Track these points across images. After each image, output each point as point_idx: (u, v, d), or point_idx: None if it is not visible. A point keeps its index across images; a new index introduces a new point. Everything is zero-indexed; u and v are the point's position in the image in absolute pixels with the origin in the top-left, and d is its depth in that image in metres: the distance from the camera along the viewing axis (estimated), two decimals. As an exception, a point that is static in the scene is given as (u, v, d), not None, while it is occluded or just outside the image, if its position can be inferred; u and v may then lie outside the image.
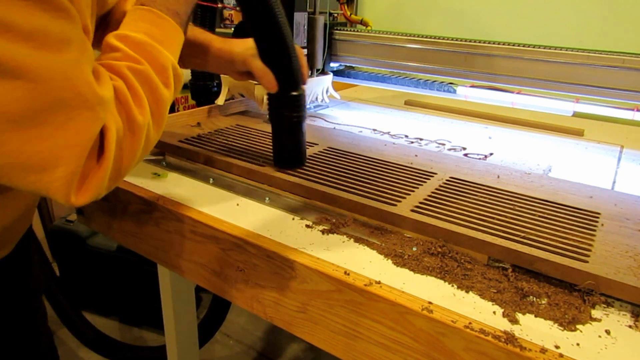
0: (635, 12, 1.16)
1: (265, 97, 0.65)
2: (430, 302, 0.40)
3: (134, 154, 0.43)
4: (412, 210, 0.53)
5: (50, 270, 1.35)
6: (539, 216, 0.53)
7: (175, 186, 0.64)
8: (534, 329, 0.38)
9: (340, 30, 1.40)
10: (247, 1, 0.55)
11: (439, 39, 1.11)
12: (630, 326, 0.39)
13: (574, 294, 0.43)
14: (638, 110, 1.04)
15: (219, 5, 1.33)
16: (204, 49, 0.65)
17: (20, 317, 0.63)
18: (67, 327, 1.36)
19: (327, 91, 1.04)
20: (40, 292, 0.69)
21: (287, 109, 0.62)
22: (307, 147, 0.73)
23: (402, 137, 0.85)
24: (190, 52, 0.63)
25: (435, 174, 0.64)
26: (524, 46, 1.09)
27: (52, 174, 0.38)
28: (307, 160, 0.67)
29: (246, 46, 0.62)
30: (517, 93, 1.16)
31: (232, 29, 1.20)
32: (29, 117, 0.35)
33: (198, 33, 0.65)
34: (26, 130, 0.36)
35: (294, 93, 0.61)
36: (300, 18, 0.93)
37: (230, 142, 0.73)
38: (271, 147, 0.65)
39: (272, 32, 0.57)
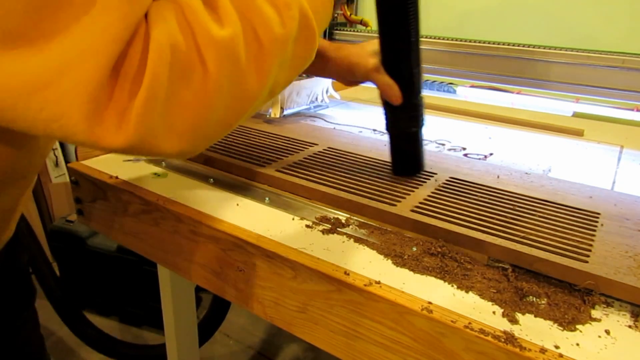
0: (635, 12, 1.16)
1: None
2: (430, 302, 0.40)
3: (205, 92, 0.32)
4: (412, 211, 0.53)
5: (50, 270, 1.35)
6: (539, 216, 0.53)
7: (175, 186, 0.64)
8: (534, 329, 0.38)
9: (340, 30, 1.40)
10: (387, 9, 0.53)
11: (439, 39, 1.11)
12: (630, 326, 0.39)
13: (574, 294, 0.43)
14: (638, 110, 1.04)
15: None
16: (317, 58, 0.56)
17: (6, 332, 0.57)
18: (68, 326, 1.36)
19: (327, 91, 1.04)
20: (31, 304, 0.63)
21: (409, 119, 0.60)
22: (307, 147, 0.73)
23: (402, 137, 0.85)
24: None
25: (435, 174, 0.64)
26: (524, 46, 1.09)
27: (58, 85, 0.28)
28: (307, 160, 0.67)
29: (364, 54, 0.59)
30: (517, 93, 1.16)
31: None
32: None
33: None
34: (16, 42, 0.27)
35: (415, 102, 0.59)
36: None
37: (230, 142, 0.74)
38: (271, 147, 0.65)
39: (407, 43, 0.54)
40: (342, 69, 0.61)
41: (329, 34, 1.38)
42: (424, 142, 0.63)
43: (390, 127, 0.61)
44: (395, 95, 0.57)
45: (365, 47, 0.60)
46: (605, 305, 0.42)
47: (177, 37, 0.31)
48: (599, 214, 0.55)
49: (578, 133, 0.95)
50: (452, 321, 0.38)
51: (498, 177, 0.65)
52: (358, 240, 0.51)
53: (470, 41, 1.16)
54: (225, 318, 1.39)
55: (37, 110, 0.29)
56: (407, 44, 0.55)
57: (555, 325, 0.39)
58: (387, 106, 0.60)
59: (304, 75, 0.91)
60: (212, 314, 1.37)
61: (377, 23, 0.55)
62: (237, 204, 0.59)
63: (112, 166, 0.69)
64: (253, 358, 1.49)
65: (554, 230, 0.50)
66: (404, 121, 0.60)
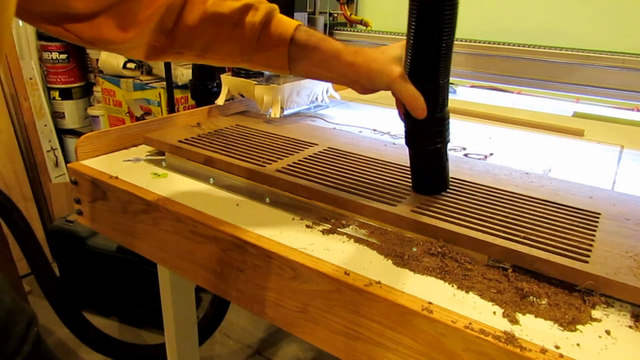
0: (635, 12, 1.16)
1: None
2: (430, 303, 0.40)
3: None
4: (412, 211, 0.53)
5: (50, 271, 1.35)
6: (539, 216, 0.53)
7: (175, 186, 0.64)
8: (534, 329, 0.38)
9: (340, 30, 1.40)
10: (424, 9, 0.47)
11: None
12: (630, 326, 0.39)
13: (574, 294, 0.43)
14: (638, 110, 1.04)
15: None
16: (331, 61, 0.54)
17: None
18: (67, 327, 1.36)
19: (327, 91, 1.04)
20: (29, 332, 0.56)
21: (434, 134, 0.54)
22: (307, 147, 0.73)
23: (402, 137, 0.85)
24: (314, 63, 0.55)
25: (435, 174, 0.64)
26: (524, 46, 1.09)
27: None
28: (307, 160, 0.67)
29: (386, 61, 0.53)
30: (517, 93, 1.16)
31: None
32: None
33: (320, 40, 0.55)
34: None
35: (440, 116, 0.53)
36: (300, 18, 0.93)
37: (230, 142, 0.73)
38: (271, 147, 0.64)
39: (441, 50, 0.49)
40: (361, 75, 0.54)
41: (329, 34, 1.38)
42: (449, 158, 0.57)
43: (412, 142, 0.56)
44: (421, 107, 0.51)
45: (387, 53, 0.54)
46: (605, 306, 0.42)
47: None
48: (599, 214, 0.55)
49: (578, 133, 0.95)
50: (452, 321, 0.38)
51: (498, 177, 0.65)
52: (358, 240, 0.51)
53: (470, 41, 1.16)
54: (224, 318, 1.39)
55: None
56: (440, 51, 0.49)
57: (556, 325, 0.39)
58: (409, 119, 0.54)
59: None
60: (212, 313, 1.37)
61: (408, 25, 0.49)
62: (237, 204, 0.59)
63: (112, 166, 0.69)
64: (253, 358, 1.49)
65: (554, 231, 0.50)
66: (428, 137, 0.54)
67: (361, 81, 0.54)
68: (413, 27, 0.49)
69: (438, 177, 0.58)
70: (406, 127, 0.56)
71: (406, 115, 0.54)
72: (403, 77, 0.51)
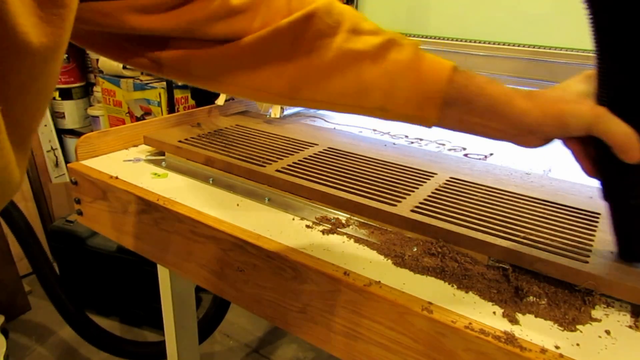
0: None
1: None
2: (430, 303, 0.40)
3: None
4: (412, 211, 0.53)
5: (52, 271, 1.35)
6: (539, 216, 0.53)
7: (175, 186, 0.64)
8: (534, 329, 0.38)
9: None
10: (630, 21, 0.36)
11: (439, 39, 1.11)
12: (630, 326, 0.39)
13: (574, 294, 0.43)
14: (638, 110, 1.04)
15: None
16: (501, 108, 0.42)
17: None
18: (71, 326, 1.36)
19: (327, 91, 1.04)
20: None
21: None
22: (307, 147, 0.73)
23: (402, 137, 0.85)
24: (476, 112, 0.43)
25: (436, 174, 0.64)
26: (524, 46, 1.09)
27: None
28: (307, 160, 0.67)
29: (574, 98, 0.42)
30: (517, 93, 1.16)
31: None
32: None
33: (485, 82, 0.43)
34: None
35: None
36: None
37: (230, 142, 0.73)
38: (271, 147, 0.64)
39: None
40: (545, 124, 0.42)
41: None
42: None
43: (620, 194, 0.43)
44: (636, 148, 0.38)
45: (570, 89, 0.43)
46: (605, 306, 0.42)
47: None
48: (599, 214, 0.55)
49: (578, 133, 0.94)
50: (452, 321, 0.38)
51: (498, 177, 0.65)
52: (358, 240, 0.51)
53: (470, 41, 1.16)
54: (224, 317, 1.39)
55: None
56: None
57: (556, 325, 0.39)
58: (614, 166, 0.41)
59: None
60: (212, 313, 1.37)
61: (600, 47, 0.39)
62: (237, 204, 0.59)
63: (112, 166, 0.69)
64: (253, 358, 1.49)
65: (554, 231, 0.50)
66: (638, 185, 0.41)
67: (545, 130, 0.42)
68: (612, 44, 0.38)
69: None
70: (606, 176, 0.43)
71: (607, 159, 0.41)
72: (605, 113, 0.39)
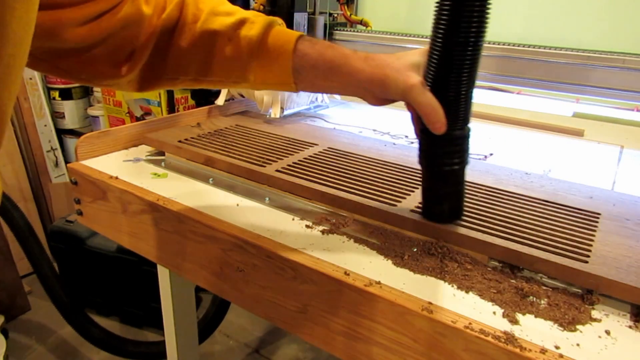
0: (635, 12, 1.16)
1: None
2: (430, 303, 0.40)
3: None
4: (412, 211, 0.53)
5: (52, 271, 1.35)
6: (539, 216, 0.53)
7: (175, 186, 0.64)
8: (534, 329, 0.38)
9: (340, 30, 1.39)
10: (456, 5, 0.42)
11: (439, 39, 1.11)
12: (630, 326, 0.39)
13: (574, 294, 0.43)
14: (638, 110, 1.04)
15: None
16: (339, 69, 0.48)
17: None
18: (72, 326, 1.36)
19: (327, 91, 1.04)
20: None
21: (451, 154, 0.47)
22: (307, 147, 0.73)
23: (402, 137, 0.85)
24: (321, 75, 0.49)
25: (435, 174, 0.64)
26: (524, 46, 1.09)
27: None
28: (307, 160, 0.67)
29: (403, 67, 0.46)
30: (517, 93, 1.16)
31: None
32: None
33: (325, 47, 0.49)
34: None
35: (459, 132, 0.46)
36: (300, 18, 0.93)
37: (230, 142, 0.73)
38: (271, 147, 0.64)
39: (470, 54, 0.43)
40: (373, 83, 0.47)
41: (329, 35, 1.37)
42: (465, 183, 0.50)
43: (426, 161, 0.49)
44: (440, 121, 0.45)
45: (403, 59, 0.47)
46: (605, 306, 0.42)
47: None
48: (599, 214, 0.55)
49: (578, 133, 0.95)
50: (452, 321, 0.38)
51: (498, 177, 0.65)
52: (358, 240, 0.51)
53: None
54: (224, 317, 1.39)
55: None
56: (469, 56, 0.43)
57: (556, 325, 0.39)
58: (425, 134, 0.47)
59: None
60: (212, 313, 1.37)
61: (434, 25, 0.44)
62: (237, 204, 0.59)
63: (111, 166, 0.69)
64: (253, 358, 1.49)
65: (554, 231, 0.50)
66: (445, 156, 0.47)
67: (373, 89, 0.48)
68: (440, 23, 0.43)
69: (452, 203, 0.51)
70: (420, 144, 0.49)
71: (422, 130, 0.48)
72: (422, 85, 0.45)
